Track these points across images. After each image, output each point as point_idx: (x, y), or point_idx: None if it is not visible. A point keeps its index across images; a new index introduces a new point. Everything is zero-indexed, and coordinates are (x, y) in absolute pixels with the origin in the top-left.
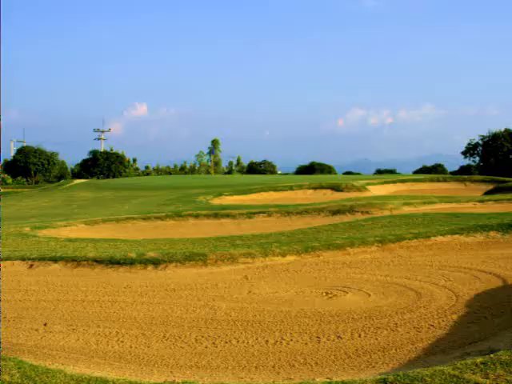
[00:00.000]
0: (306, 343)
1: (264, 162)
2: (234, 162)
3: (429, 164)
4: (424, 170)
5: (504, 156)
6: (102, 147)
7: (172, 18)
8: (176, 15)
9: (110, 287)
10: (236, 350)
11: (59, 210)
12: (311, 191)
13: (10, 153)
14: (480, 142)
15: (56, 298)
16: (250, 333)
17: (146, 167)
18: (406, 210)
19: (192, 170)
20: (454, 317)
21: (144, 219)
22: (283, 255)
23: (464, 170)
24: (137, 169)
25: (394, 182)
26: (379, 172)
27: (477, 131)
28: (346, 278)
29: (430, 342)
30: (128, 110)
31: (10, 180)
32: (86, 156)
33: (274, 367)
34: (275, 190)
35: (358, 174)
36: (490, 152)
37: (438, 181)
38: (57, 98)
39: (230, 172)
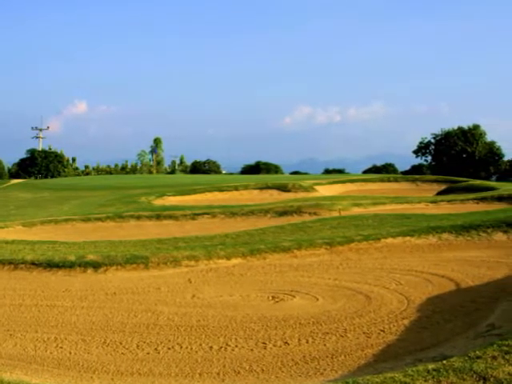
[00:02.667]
0: (252, 349)
1: (208, 162)
2: (177, 162)
3: (379, 163)
4: (374, 170)
5: (457, 155)
6: (41, 146)
7: (110, 12)
8: (116, 8)
9: (48, 291)
10: (179, 357)
11: None
12: (257, 191)
13: None
14: (432, 140)
15: None
16: (194, 338)
17: (86, 166)
18: (356, 210)
19: (133, 170)
20: (406, 322)
21: (84, 221)
22: (228, 258)
23: (416, 170)
24: (76, 168)
25: (342, 181)
26: (327, 172)
27: (429, 129)
28: (294, 281)
29: (380, 347)
30: (67, 108)
31: None
32: (23, 155)
33: (218, 374)
34: (220, 190)
35: (306, 173)
36: (442, 151)
37: (389, 181)
38: None
39: (172, 172)
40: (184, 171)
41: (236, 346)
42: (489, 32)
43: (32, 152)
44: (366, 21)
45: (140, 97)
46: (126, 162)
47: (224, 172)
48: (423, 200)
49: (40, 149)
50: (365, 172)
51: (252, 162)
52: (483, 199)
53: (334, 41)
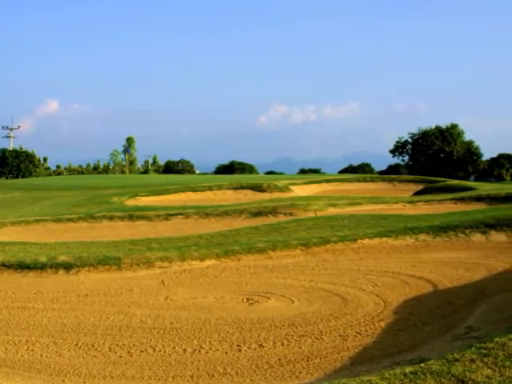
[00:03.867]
0: (226, 352)
1: (181, 162)
2: (150, 161)
3: (356, 163)
4: (350, 170)
5: (434, 154)
6: (11, 146)
7: (82, 10)
8: (88, 5)
9: (19, 293)
10: (152, 360)
11: None
12: (231, 192)
13: None
14: (409, 139)
15: None
16: (167, 341)
17: (58, 166)
18: (332, 211)
19: (106, 170)
20: (382, 324)
21: (55, 221)
22: (202, 259)
23: (392, 170)
24: (48, 168)
25: (318, 181)
26: (303, 171)
27: (406, 129)
28: (268, 283)
29: (356, 350)
30: (39, 107)
31: None
32: None
33: (192, 377)
34: (193, 190)
35: (281, 173)
36: (419, 150)
37: (365, 181)
38: None
39: (145, 171)
40: (157, 171)
41: (210, 349)
42: (468, 31)
43: (3, 152)
44: (342, 19)
45: (113, 96)
46: (98, 161)
47: (198, 172)
48: (400, 200)
49: (11, 148)
50: (341, 172)
51: (226, 161)
52: (461, 199)
53: (309, 40)
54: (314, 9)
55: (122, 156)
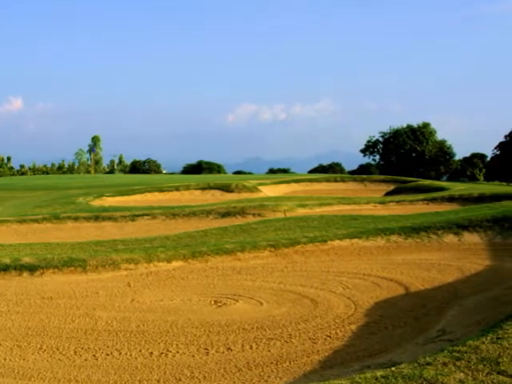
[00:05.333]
0: (194, 355)
1: (148, 161)
2: (116, 161)
3: (326, 162)
4: (320, 169)
5: (406, 154)
6: None
7: (47, 4)
8: (54, 3)
9: None
10: (118, 363)
11: None
12: (199, 192)
13: None
14: (380, 139)
15: None
16: (134, 344)
17: (21, 166)
18: (301, 212)
19: (71, 170)
20: (353, 327)
21: (19, 222)
22: (169, 261)
23: (363, 169)
24: (11, 168)
25: (287, 182)
26: (272, 171)
27: (378, 128)
28: (237, 285)
29: (326, 354)
30: (2, 105)
31: None
32: None
33: (158, 381)
34: (160, 190)
35: (250, 173)
36: (391, 150)
37: (336, 181)
38: None
39: (111, 171)
40: (123, 171)
41: (177, 352)
42: (441, 29)
43: None
44: (311, 16)
45: (77, 93)
46: (63, 161)
47: (164, 172)
48: (371, 201)
49: None
50: (311, 171)
51: (194, 161)
52: (433, 200)
53: (278, 37)
54: (281, 5)
55: (88, 155)
